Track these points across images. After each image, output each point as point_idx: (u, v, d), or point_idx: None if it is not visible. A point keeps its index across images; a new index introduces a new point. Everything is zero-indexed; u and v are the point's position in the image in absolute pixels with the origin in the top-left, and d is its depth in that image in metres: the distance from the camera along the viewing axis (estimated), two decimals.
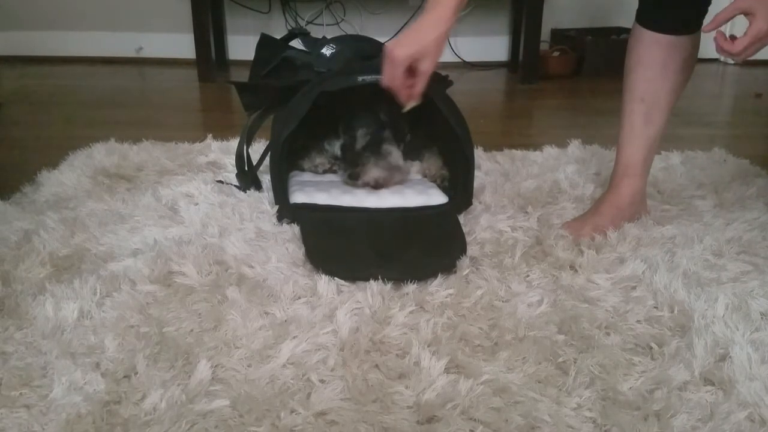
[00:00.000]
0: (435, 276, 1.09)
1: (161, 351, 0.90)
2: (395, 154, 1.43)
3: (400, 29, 3.17)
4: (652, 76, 1.25)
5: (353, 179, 1.37)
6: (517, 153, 1.77)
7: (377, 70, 1.26)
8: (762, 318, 0.98)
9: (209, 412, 0.78)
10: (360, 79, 1.28)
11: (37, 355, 0.89)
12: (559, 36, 3.26)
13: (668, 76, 1.24)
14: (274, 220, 1.29)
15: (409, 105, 1.17)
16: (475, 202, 1.38)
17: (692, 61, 1.26)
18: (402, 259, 1.14)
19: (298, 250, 1.17)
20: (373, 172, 1.37)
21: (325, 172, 1.49)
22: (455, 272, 1.11)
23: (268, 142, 1.51)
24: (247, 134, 1.44)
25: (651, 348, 0.92)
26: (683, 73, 1.26)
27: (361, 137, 1.41)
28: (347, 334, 0.93)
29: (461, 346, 0.92)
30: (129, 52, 3.34)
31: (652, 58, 1.24)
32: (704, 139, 1.97)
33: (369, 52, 1.45)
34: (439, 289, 1.06)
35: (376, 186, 1.37)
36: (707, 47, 1.15)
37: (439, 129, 1.40)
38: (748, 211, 1.36)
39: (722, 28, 1.04)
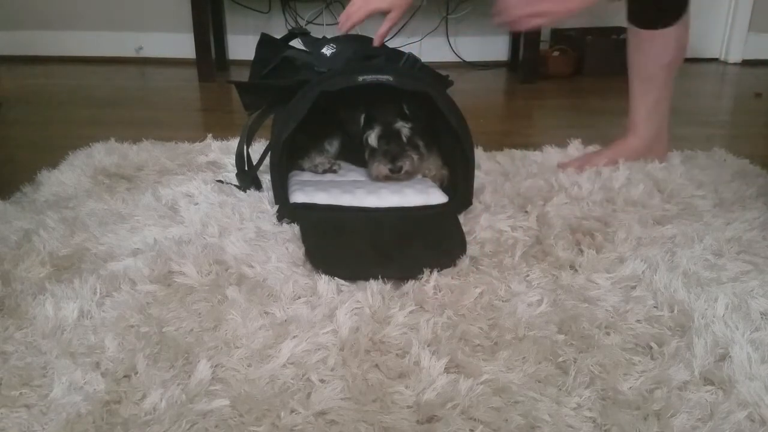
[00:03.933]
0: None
1: (161, 351, 0.90)
2: (422, 146, 1.44)
3: (400, 29, 3.18)
4: (646, 60, 1.54)
5: (396, 172, 1.39)
6: (517, 153, 1.77)
7: (377, 70, 1.25)
8: (762, 318, 0.98)
9: (209, 412, 0.78)
10: (360, 78, 1.28)
11: (37, 354, 0.89)
12: (559, 36, 3.26)
13: (661, 58, 1.52)
14: (274, 219, 1.29)
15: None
16: (475, 201, 1.38)
17: (683, 40, 1.51)
18: (402, 258, 1.15)
19: (298, 250, 1.17)
20: (412, 162, 1.40)
21: (324, 172, 1.49)
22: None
23: (268, 142, 1.51)
24: (247, 134, 1.44)
25: (651, 348, 0.92)
26: (676, 51, 1.51)
27: (404, 128, 1.39)
28: (347, 333, 0.93)
29: (461, 346, 0.92)
30: (129, 52, 3.34)
31: (645, 47, 1.52)
32: (704, 138, 1.97)
33: (369, 52, 1.45)
34: (439, 288, 1.06)
35: (407, 176, 1.41)
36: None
37: (439, 129, 1.40)
38: (748, 210, 1.35)
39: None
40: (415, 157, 1.41)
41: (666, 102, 1.61)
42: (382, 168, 1.40)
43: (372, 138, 1.41)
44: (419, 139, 1.43)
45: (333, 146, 1.53)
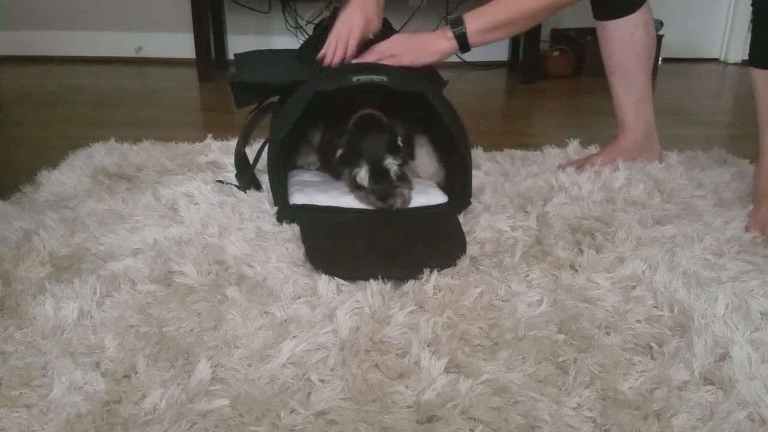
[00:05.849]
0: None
1: (161, 351, 0.90)
2: (410, 173, 1.39)
3: (400, 29, 3.17)
4: (619, 52, 1.58)
5: (387, 205, 1.31)
6: (517, 153, 1.77)
7: (372, 71, 1.25)
8: (762, 317, 0.98)
9: (209, 412, 0.78)
10: (354, 79, 1.27)
11: (37, 354, 0.89)
12: (559, 36, 3.26)
13: (633, 45, 1.56)
14: (274, 219, 1.29)
15: None
16: (475, 201, 1.38)
17: (651, 29, 1.56)
18: (402, 258, 1.15)
19: (298, 250, 1.17)
20: (404, 198, 1.32)
21: (317, 169, 1.49)
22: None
23: (264, 141, 1.51)
24: (243, 134, 1.44)
25: (651, 348, 0.92)
26: (646, 39, 1.55)
27: (393, 166, 1.31)
28: (347, 333, 0.93)
29: (461, 346, 0.92)
30: (129, 52, 3.34)
31: (615, 38, 1.57)
32: (704, 139, 1.97)
33: None
34: (439, 288, 1.06)
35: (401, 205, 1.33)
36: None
37: (436, 128, 1.40)
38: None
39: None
40: (406, 191, 1.33)
41: (648, 102, 1.63)
42: (368, 198, 1.32)
43: (361, 176, 1.31)
44: (407, 168, 1.37)
45: (315, 138, 1.49)
